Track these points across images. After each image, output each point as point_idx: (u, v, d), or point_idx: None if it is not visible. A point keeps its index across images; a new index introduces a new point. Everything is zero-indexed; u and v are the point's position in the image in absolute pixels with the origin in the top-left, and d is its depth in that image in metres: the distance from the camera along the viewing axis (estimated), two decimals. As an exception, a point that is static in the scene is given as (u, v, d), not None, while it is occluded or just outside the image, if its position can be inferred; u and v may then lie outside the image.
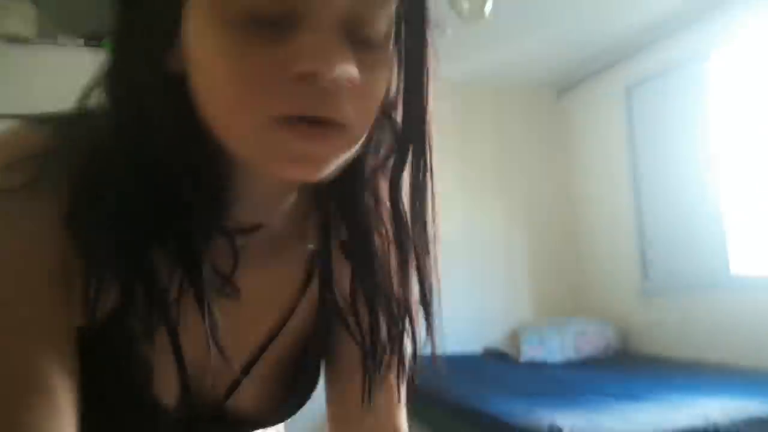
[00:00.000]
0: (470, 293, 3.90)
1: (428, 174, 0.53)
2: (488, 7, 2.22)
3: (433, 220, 0.55)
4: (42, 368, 0.43)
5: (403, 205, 0.55)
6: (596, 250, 4.12)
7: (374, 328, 0.59)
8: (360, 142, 0.48)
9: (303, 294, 0.62)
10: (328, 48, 0.41)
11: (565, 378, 3.03)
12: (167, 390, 0.54)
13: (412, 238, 0.55)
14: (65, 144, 0.47)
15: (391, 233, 0.57)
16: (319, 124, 0.43)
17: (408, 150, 0.53)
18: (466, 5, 2.21)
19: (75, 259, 0.45)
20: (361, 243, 0.58)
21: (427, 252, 0.56)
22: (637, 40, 3.55)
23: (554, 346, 3.54)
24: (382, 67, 0.47)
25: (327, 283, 0.60)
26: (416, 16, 0.49)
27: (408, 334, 0.59)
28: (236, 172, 0.50)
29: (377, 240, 0.58)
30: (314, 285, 0.62)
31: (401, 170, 0.54)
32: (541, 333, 3.61)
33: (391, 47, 0.48)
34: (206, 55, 0.43)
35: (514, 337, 3.76)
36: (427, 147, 0.53)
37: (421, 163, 0.53)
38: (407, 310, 0.59)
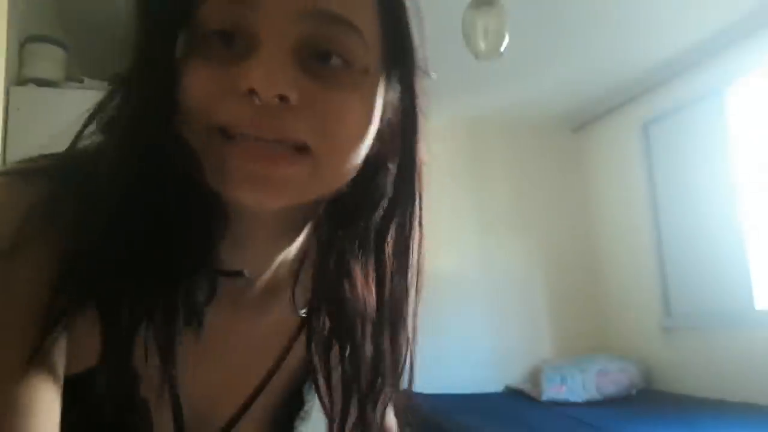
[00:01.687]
0: (490, 332, 3.87)
1: (413, 228, 0.53)
2: (504, 46, 2.25)
3: (418, 273, 0.55)
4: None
5: (388, 258, 0.54)
6: (617, 287, 4.07)
7: (348, 388, 0.57)
8: (337, 174, 0.48)
9: (298, 335, 0.62)
10: (272, 68, 0.42)
11: (587, 418, 2.97)
12: None
13: (392, 297, 0.54)
14: (56, 194, 0.46)
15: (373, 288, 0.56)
16: (268, 144, 0.44)
17: (396, 200, 0.53)
18: (482, 45, 2.25)
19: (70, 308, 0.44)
20: (339, 304, 0.57)
21: (404, 310, 0.55)
22: (653, 76, 3.57)
23: (576, 385, 3.47)
24: (353, 90, 0.46)
25: (309, 339, 0.59)
26: (401, 59, 0.50)
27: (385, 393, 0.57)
28: (229, 217, 0.50)
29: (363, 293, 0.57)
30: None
31: (389, 220, 0.53)
32: (563, 371, 3.55)
33: (372, 80, 0.48)
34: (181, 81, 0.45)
35: (535, 375, 3.70)
36: (417, 196, 0.53)
37: (407, 214, 0.53)
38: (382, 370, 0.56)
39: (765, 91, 3.03)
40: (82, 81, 2.30)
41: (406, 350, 0.56)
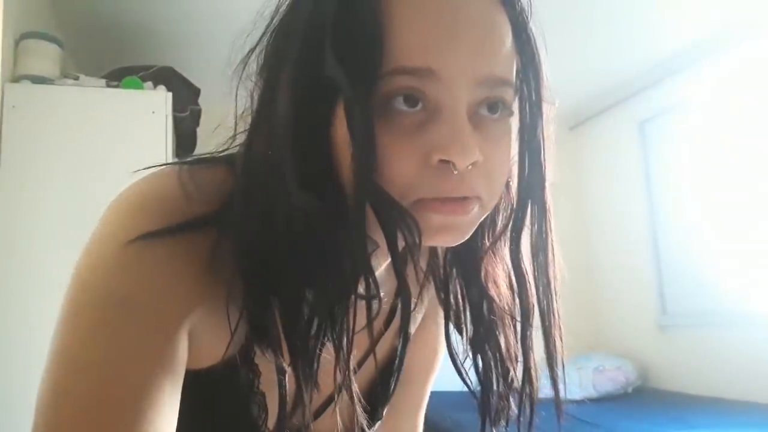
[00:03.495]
0: (486, 329, 3.86)
1: (549, 233, 0.60)
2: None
3: (555, 278, 0.61)
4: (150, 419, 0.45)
5: (524, 264, 0.60)
6: (613, 285, 4.08)
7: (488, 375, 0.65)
8: (493, 205, 0.54)
9: (388, 326, 0.68)
10: (460, 139, 0.46)
11: (583, 415, 2.97)
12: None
13: (537, 296, 0.60)
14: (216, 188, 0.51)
15: (508, 294, 0.62)
16: (457, 200, 0.49)
17: (527, 211, 0.59)
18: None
19: (212, 299, 0.49)
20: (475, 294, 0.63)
21: (552, 308, 0.61)
22: (649, 74, 3.57)
23: (573, 383, 3.48)
24: (506, 138, 0.52)
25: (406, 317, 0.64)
26: (533, 86, 0.55)
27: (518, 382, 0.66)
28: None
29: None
30: (397, 319, 0.68)
31: (521, 230, 0.59)
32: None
33: (512, 116, 0.53)
34: (358, 140, 0.46)
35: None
36: (548, 207, 0.60)
37: (543, 223, 0.60)
38: (524, 362, 0.65)
39: (759, 91, 3.04)
40: (77, 78, 2.28)
41: (554, 349, 0.63)
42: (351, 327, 0.51)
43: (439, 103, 0.47)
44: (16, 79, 2.15)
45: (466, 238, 0.53)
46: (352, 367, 0.52)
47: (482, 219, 0.54)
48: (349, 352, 0.51)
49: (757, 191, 3.04)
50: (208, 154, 0.57)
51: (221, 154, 0.56)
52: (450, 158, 0.46)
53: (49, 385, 0.45)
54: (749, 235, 3.08)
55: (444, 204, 0.49)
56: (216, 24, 2.81)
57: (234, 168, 0.52)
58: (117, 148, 2.14)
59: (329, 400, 0.64)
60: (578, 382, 3.48)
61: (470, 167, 0.47)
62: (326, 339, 0.51)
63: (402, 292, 0.56)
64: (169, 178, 0.51)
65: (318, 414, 0.64)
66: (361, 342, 0.66)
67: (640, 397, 3.40)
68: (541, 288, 0.60)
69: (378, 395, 0.70)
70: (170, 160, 0.56)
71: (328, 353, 0.54)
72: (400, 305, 0.65)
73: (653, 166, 3.76)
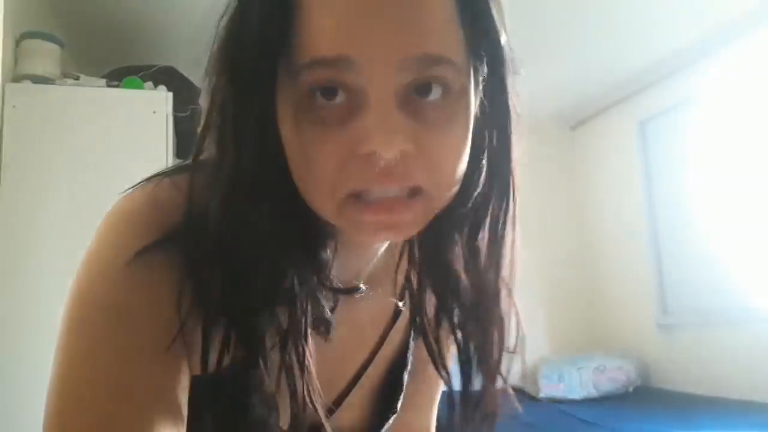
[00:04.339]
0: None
1: (509, 221, 0.56)
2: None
3: (511, 269, 0.58)
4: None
5: (479, 250, 0.56)
6: (613, 284, 4.08)
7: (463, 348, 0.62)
8: (448, 197, 0.50)
9: (394, 323, 0.68)
10: (389, 128, 0.43)
11: (584, 415, 2.97)
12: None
13: (482, 290, 0.58)
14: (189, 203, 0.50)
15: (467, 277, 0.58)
16: (390, 197, 0.46)
17: (491, 195, 0.54)
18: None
19: (195, 312, 0.48)
20: (444, 276, 0.59)
21: (497, 299, 0.58)
22: (650, 74, 3.57)
23: (573, 383, 3.48)
24: (453, 121, 0.47)
25: (417, 311, 0.64)
26: (492, 60, 0.50)
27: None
28: (334, 234, 0.53)
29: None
30: (405, 314, 0.67)
31: (483, 215, 0.55)
32: (560, 369, 3.55)
33: (466, 96, 0.48)
34: (287, 141, 0.47)
35: (533, 373, 3.70)
36: (510, 192, 0.56)
37: (503, 207, 0.55)
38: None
39: (760, 90, 3.03)
40: (77, 78, 2.28)
41: (497, 342, 0.60)
42: (304, 330, 0.52)
43: (361, 91, 0.44)
44: (17, 79, 2.15)
45: (405, 238, 0.52)
46: (305, 368, 0.52)
47: (439, 211, 0.51)
48: (302, 355, 0.51)
49: (758, 190, 3.04)
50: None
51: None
52: (373, 148, 0.43)
53: (56, 403, 0.45)
54: (750, 233, 3.08)
55: (370, 205, 0.46)
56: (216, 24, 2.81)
57: (193, 175, 0.51)
58: (117, 148, 2.14)
59: (343, 397, 0.65)
60: (579, 382, 3.48)
61: (399, 156, 0.43)
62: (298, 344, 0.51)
63: (408, 286, 0.56)
64: (158, 190, 0.51)
65: (336, 406, 0.65)
66: (371, 337, 0.66)
67: (641, 396, 3.40)
68: (488, 279, 0.57)
69: (392, 389, 0.70)
70: (169, 164, 0.55)
71: (329, 353, 0.55)
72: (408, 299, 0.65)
73: (654, 165, 3.76)
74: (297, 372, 0.51)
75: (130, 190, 0.52)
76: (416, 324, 0.66)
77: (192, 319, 0.48)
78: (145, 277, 0.47)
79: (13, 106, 2.07)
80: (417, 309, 0.63)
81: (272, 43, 0.44)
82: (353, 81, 0.43)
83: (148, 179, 0.53)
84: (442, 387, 0.80)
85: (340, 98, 0.44)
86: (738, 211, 3.14)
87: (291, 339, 0.51)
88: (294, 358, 0.51)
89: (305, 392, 0.52)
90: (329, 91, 0.44)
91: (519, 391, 3.55)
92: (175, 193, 0.50)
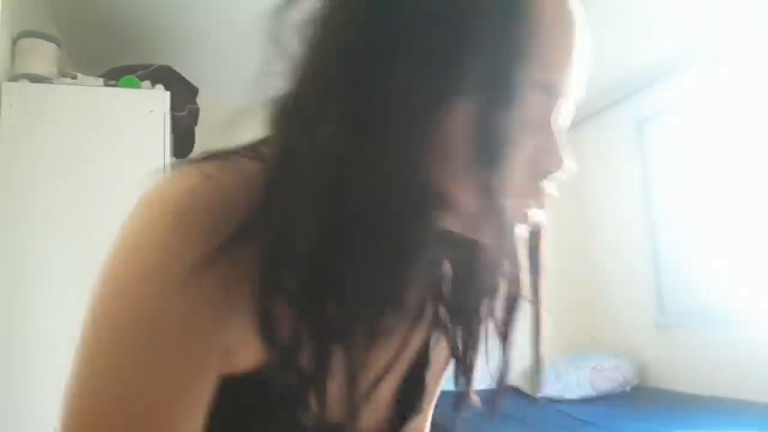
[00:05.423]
0: (484, 328, 3.86)
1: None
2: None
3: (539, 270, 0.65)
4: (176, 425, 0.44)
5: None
6: (610, 284, 4.08)
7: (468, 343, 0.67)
8: None
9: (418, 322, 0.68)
10: (560, 148, 0.54)
11: (581, 414, 2.98)
12: None
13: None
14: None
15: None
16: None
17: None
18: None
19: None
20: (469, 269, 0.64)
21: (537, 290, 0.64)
22: (647, 73, 3.58)
23: (571, 382, 3.48)
24: None
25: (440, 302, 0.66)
26: None
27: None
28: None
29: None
30: (427, 313, 0.67)
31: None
32: (558, 369, 3.55)
33: None
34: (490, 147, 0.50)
35: (531, 373, 3.70)
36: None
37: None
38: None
39: (758, 90, 3.04)
40: (75, 77, 2.28)
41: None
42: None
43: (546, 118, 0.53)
44: (14, 78, 2.14)
45: None
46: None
47: None
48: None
49: (756, 190, 3.05)
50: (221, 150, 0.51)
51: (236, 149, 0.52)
52: (556, 167, 0.54)
53: (77, 407, 0.43)
54: (747, 233, 3.08)
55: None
56: (214, 23, 2.81)
57: (266, 162, 0.47)
58: (115, 147, 2.13)
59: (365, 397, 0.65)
60: (576, 382, 3.48)
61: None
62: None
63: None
64: (202, 180, 0.45)
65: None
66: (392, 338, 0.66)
67: (638, 396, 3.41)
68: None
69: (414, 388, 0.70)
70: (167, 163, 0.52)
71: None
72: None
73: (651, 165, 3.76)
74: (358, 372, 0.50)
75: (170, 175, 0.46)
76: (437, 319, 0.66)
77: (242, 316, 0.45)
78: (209, 293, 0.43)
79: (11, 105, 2.06)
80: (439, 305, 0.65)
81: (518, 60, 0.51)
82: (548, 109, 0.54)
83: (178, 168, 0.47)
84: (440, 387, 0.80)
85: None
86: (736, 211, 3.14)
87: (361, 341, 0.49)
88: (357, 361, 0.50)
89: (355, 393, 0.50)
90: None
91: (516, 391, 3.57)
92: (240, 176, 0.46)
